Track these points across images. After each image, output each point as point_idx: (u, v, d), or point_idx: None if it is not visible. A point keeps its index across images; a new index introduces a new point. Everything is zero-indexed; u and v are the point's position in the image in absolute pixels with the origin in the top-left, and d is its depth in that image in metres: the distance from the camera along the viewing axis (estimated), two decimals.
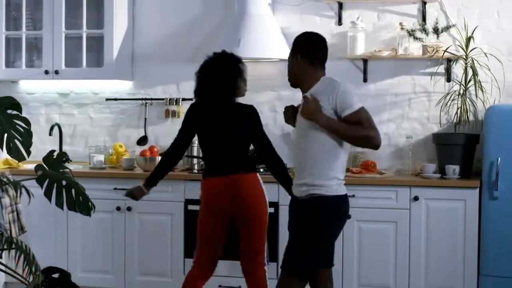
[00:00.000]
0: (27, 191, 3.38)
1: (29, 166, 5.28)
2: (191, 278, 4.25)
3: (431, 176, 4.94)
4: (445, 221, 4.76)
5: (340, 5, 5.39)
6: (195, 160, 5.39)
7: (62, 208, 3.20)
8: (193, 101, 4.33)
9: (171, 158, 4.29)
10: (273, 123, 5.49)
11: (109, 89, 5.82)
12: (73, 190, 3.20)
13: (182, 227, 5.08)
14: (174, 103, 5.67)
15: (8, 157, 5.39)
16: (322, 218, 3.60)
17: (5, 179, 3.57)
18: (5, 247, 3.20)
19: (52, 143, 5.78)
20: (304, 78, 3.72)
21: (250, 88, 4.32)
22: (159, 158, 5.35)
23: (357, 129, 3.56)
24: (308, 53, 3.71)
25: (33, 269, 3.09)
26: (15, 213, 5.08)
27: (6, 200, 4.99)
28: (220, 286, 4.98)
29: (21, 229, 5.13)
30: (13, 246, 3.15)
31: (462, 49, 5.09)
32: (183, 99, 5.67)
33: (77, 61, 5.59)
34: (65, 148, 5.87)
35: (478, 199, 4.71)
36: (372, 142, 3.59)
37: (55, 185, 3.17)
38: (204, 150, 4.27)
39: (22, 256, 3.16)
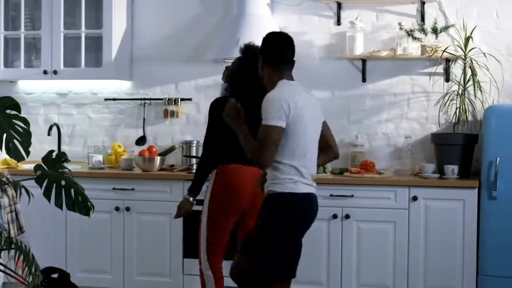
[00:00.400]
0: (27, 191, 3.37)
1: (27, 166, 5.28)
2: (220, 272, 4.31)
3: (430, 176, 4.94)
4: (444, 221, 4.76)
5: (339, 5, 5.39)
6: (193, 160, 5.39)
7: (61, 208, 3.19)
8: (217, 98, 4.31)
9: (210, 161, 4.26)
10: None
11: (108, 89, 5.82)
12: (72, 190, 3.19)
13: (181, 227, 5.07)
14: (173, 103, 5.67)
15: (7, 157, 5.38)
16: (271, 213, 3.59)
17: (4, 179, 3.57)
18: (5, 247, 3.19)
19: (50, 143, 5.78)
20: (268, 81, 3.68)
21: None
22: (158, 158, 5.34)
23: (251, 147, 3.54)
24: (269, 56, 3.67)
25: (33, 269, 3.08)
26: (13, 213, 5.08)
27: (5, 200, 4.98)
28: None
29: (20, 229, 5.13)
30: (13, 246, 3.14)
31: (461, 49, 5.10)
32: (182, 99, 5.67)
33: (76, 61, 5.59)
34: (64, 148, 5.86)
35: (477, 199, 4.72)
36: (258, 162, 3.55)
37: (54, 185, 3.16)
38: (229, 141, 4.09)
39: (22, 256, 3.15)
